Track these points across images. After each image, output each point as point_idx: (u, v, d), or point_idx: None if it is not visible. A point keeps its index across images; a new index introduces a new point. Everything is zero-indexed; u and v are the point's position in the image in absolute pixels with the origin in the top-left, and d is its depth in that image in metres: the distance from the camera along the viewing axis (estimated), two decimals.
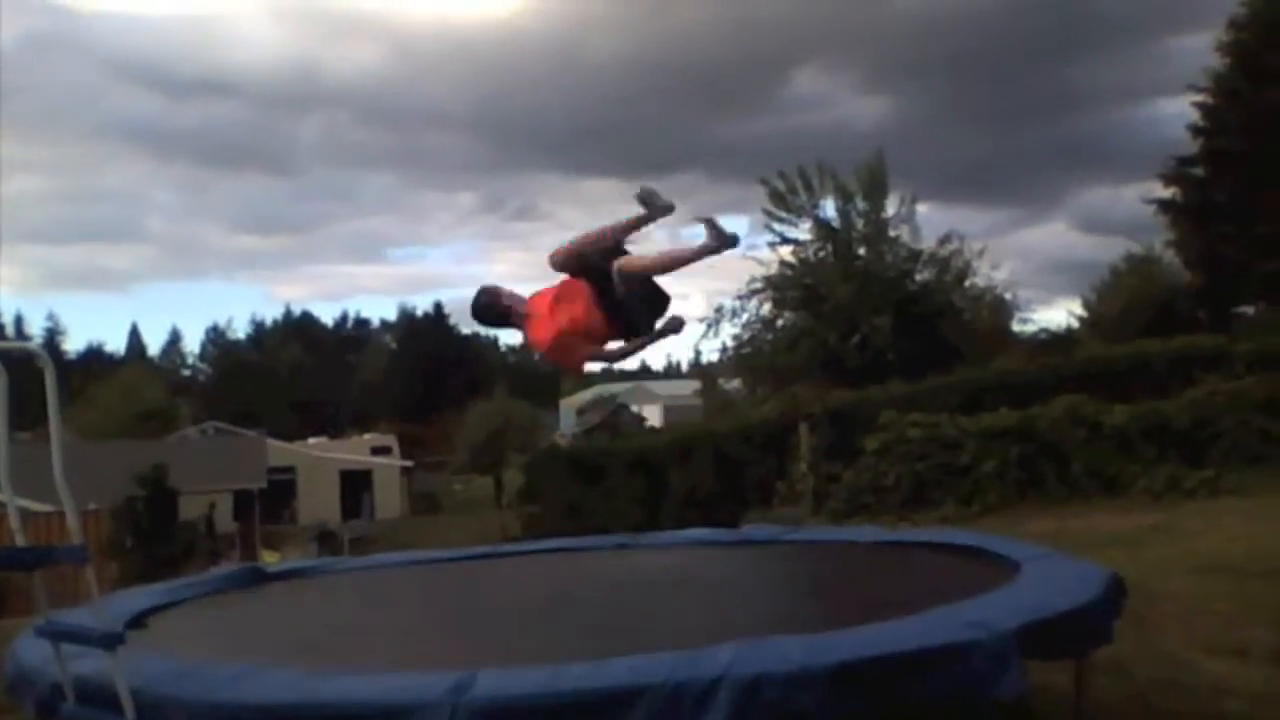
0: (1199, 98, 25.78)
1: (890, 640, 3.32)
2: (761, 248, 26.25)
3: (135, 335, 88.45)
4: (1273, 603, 6.53)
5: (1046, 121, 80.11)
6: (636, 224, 4.65)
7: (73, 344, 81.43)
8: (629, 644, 3.64)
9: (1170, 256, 29.80)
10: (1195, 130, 25.97)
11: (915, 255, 25.91)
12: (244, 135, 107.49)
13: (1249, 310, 25.70)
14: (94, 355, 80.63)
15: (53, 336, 78.58)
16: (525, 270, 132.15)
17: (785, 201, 26.17)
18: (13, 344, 3.68)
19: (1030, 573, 4.48)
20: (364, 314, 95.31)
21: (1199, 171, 25.96)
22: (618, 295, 4.54)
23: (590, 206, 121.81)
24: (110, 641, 3.30)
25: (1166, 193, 26.73)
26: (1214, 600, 6.78)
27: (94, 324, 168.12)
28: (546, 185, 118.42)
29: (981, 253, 25.96)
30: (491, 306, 4.86)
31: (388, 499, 43.12)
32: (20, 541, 3.47)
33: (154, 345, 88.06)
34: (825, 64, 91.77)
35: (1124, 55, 75.05)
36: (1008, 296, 27.07)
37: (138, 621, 4.83)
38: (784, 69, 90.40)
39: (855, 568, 5.82)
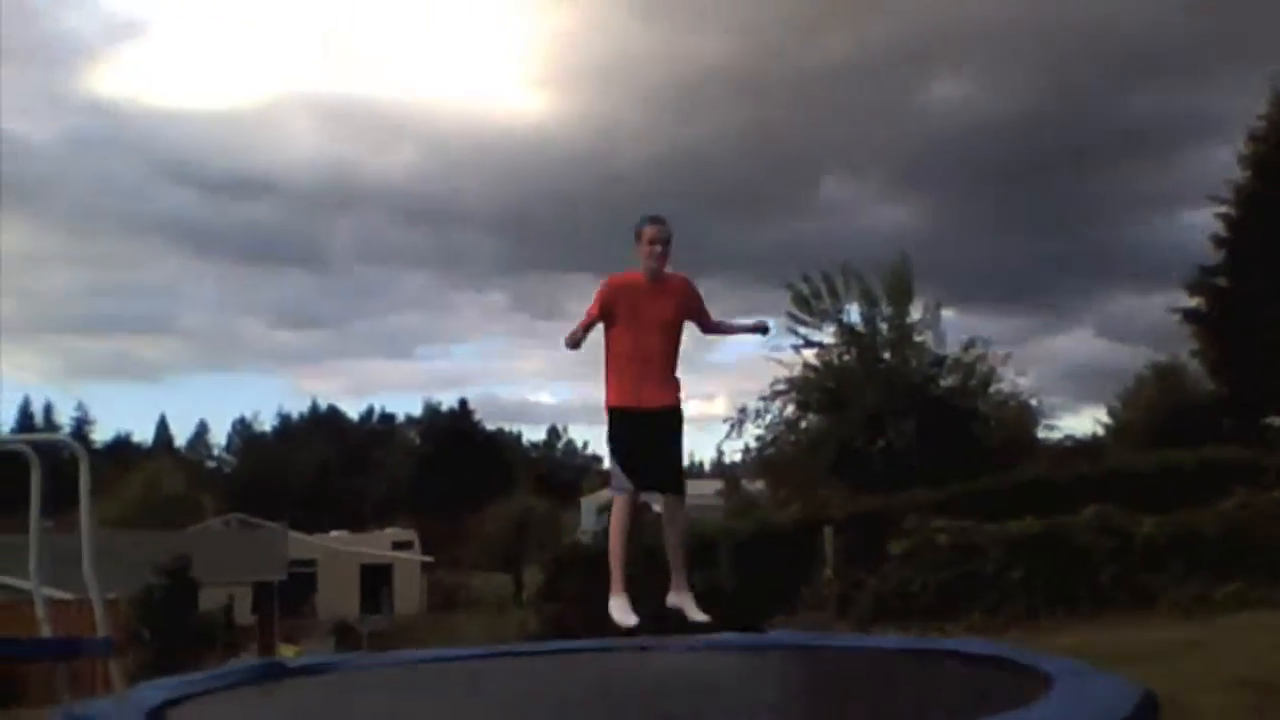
0: (1221, 209, 25.96)
1: None
2: (785, 350, 26.33)
3: (163, 426, 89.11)
4: None
5: (1071, 230, 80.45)
6: None
7: (101, 433, 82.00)
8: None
9: (1195, 366, 29.72)
10: (1218, 241, 26.09)
11: (940, 360, 25.88)
12: (279, 232, 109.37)
13: (1277, 421, 25.51)
14: (121, 445, 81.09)
15: (81, 426, 79.22)
16: (552, 368, 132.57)
17: (809, 305, 26.26)
18: (47, 435, 3.73)
19: (1062, 687, 4.41)
20: (389, 409, 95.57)
21: (1222, 281, 26.02)
22: None
23: None
24: None
25: (1191, 302, 26.77)
26: (1248, 716, 6.64)
27: (122, 413, 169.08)
28: (575, 285, 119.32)
29: (1006, 359, 25.95)
30: None
31: (407, 594, 42.89)
32: (46, 632, 3.49)
33: (181, 436, 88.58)
34: (850, 171, 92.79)
35: (1148, 166, 75.70)
36: (1033, 403, 26.97)
37: (159, 715, 4.80)
38: (811, 175, 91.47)
39: (883, 677, 5.73)
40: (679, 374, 5.68)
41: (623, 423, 5.49)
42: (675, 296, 5.53)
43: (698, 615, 5.42)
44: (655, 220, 5.55)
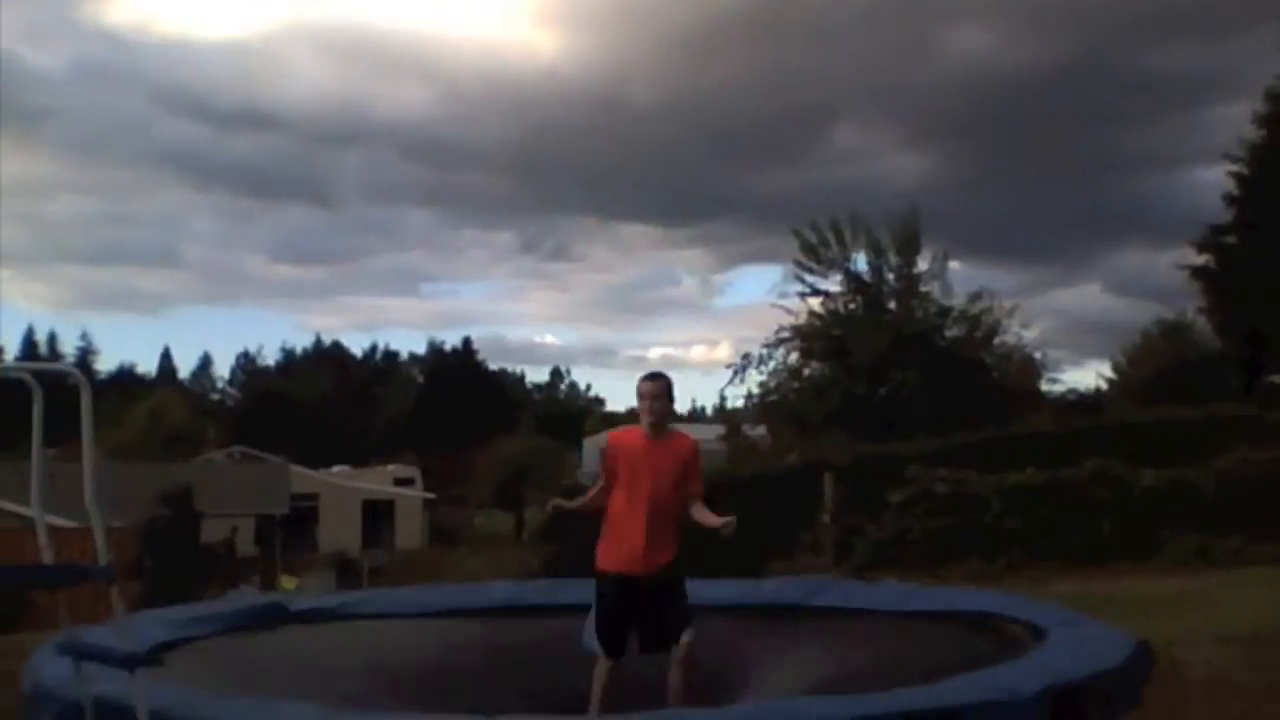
0: (1235, 167, 25.75)
1: (918, 701, 3.29)
2: (791, 297, 26.28)
3: (167, 358, 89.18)
4: None
5: (1084, 184, 79.76)
6: None
7: (104, 364, 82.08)
8: (653, 699, 3.62)
9: (1202, 323, 29.66)
10: (1229, 199, 25.91)
11: (945, 311, 25.85)
12: (286, 167, 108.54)
13: (1279, 379, 25.49)
14: (125, 376, 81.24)
15: (85, 356, 79.26)
16: (556, 310, 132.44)
17: (817, 253, 26.19)
18: (50, 364, 3.72)
19: (1058, 637, 4.44)
20: (393, 347, 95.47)
21: (1233, 240, 25.87)
22: None
23: (624, 250, 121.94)
24: (132, 662, 3.30)
25: (1200, 260, 26.64)
26: (1239, 671, 6.67)
27: (127, 345, 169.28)
28: (582, 228, 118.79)
29: (1012, 311, 25.92)
30: None
31: (408, 530, 43.11)
32: (48, 559, 3.49)
33: (184, 369, 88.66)
34: (865, 119, 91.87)
35: (1163, 123, 74.81)
36: (1037, 356, 26.97)
37: (159, 646, 4.84)
38: (824, 122, 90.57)
39: (883, 628, 5.76)
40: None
41: (609, 589, 5.13)
42: (680, 456, 5.30)
43: None
44: (647, 377, 5.38)
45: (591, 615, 5.06)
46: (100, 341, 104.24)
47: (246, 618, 6.08)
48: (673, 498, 5.20)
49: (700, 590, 7.35)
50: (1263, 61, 34.87)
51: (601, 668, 4.92)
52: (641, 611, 5.05)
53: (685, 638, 4.93)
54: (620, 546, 5.14)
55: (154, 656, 4.74)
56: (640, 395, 5.32)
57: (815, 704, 3.20)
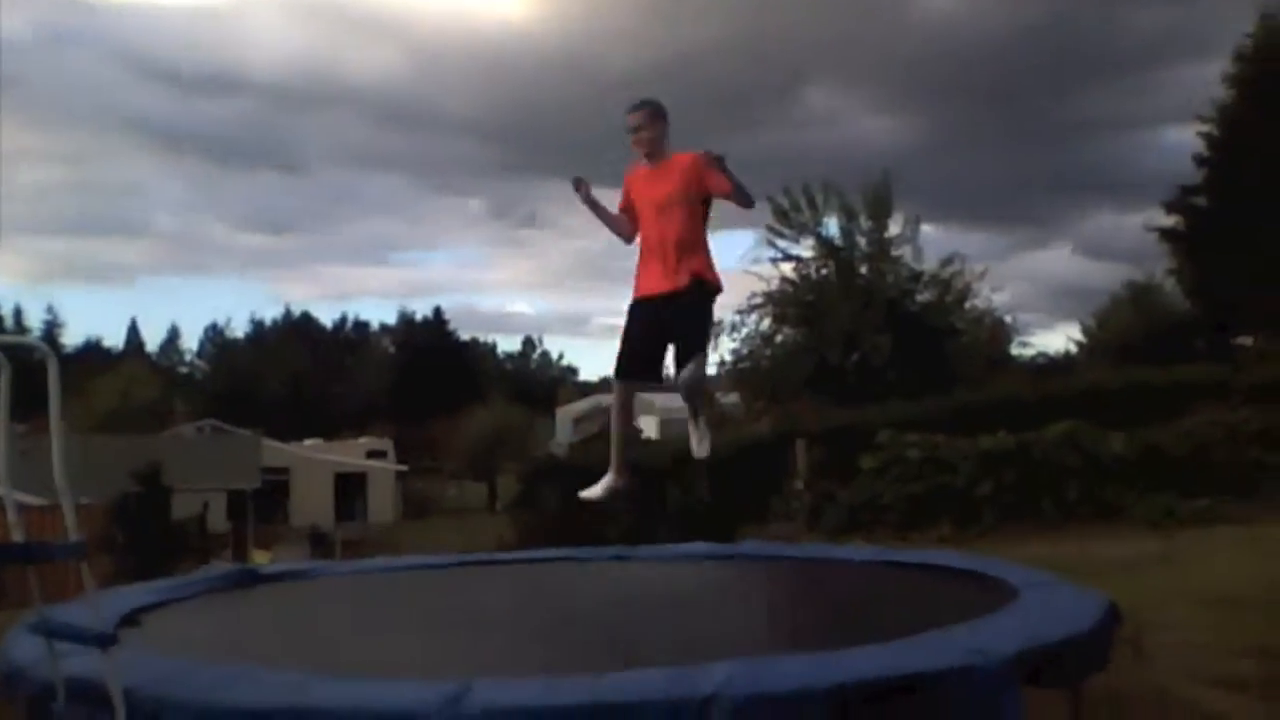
0: (1205, 128, 25.89)
1: (890, 662, 3.30)
2: (763, 263, 26.29)
3: (134, 330, 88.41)
4: (1267, 635, 6.51)
5: (1054, 146, 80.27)
6: None
7: (71, 337, 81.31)
8: (625, 658, 3.62)
9: (1171, 285, 29.89)
10: (1199, 160, 26.06)
11: (917, 276, 25.94)
12: (254, 132, 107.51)
13: (1247, 341, 25.74)
14: (92, 349, 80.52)
15: (51, 329, 78.46)
16: (529, 277, 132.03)
17: (789, 218, 26.19)
18: (15, 336, 3.66)
19: (1029, 598, 4.47)
20: (364, 317, 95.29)
21: (1202, 201, 26.04)
22: None
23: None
24: (104, 640, 3.28)
25: (1169, 221, 26.82)
26: (1209, 631, 6.76)
27: (93, 317, 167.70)
28: (554, 193, 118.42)
29: (983, 275, 26.06)
30: None
31: (381, 502, 43.10)
32: (17, 536, 3.45)
33: (153, 341, 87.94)
34: (838, 82, 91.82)
35: (1133, 83, 75.31)
36: (1008, 320, 27.14)
37: (132, 620, 4.81)
38: (797, 86, 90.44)
39: (853, 588, 5.80)
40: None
41: (630, 314, 5.31)
42: (675, 176, 5.22)
43: (699, 451, 5.30)
44: (629, 109, 5.33)
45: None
46: (67, 314, 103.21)
47: (219, 583, 6.07)
48: (681, 217, 5.19)
49: (675, 549, 7.43)
50: (1233, 21, 34.94)
51: (617, 388, 5.28)
52: (648, 334, 5.22)
53: (690, 365, 5.06)
54: (641, 275, 5.29)
55: (130, 620, 4.73)
56: (628, 131, 5.31)
57: (789, 666, 3.21)
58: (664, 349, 5.28)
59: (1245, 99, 24.79)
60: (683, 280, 5.11)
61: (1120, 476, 14.42)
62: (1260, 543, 10.97)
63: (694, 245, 5.20)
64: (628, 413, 5.35)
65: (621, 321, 5.36)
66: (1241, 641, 6.39)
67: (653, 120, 5.28)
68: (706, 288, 5.19)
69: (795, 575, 6.33)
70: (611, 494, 5.26)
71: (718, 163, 5.04)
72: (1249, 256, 23.73)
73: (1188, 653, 6.21)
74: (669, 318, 5.15)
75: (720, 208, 5.35)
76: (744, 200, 5.14)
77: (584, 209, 5.41)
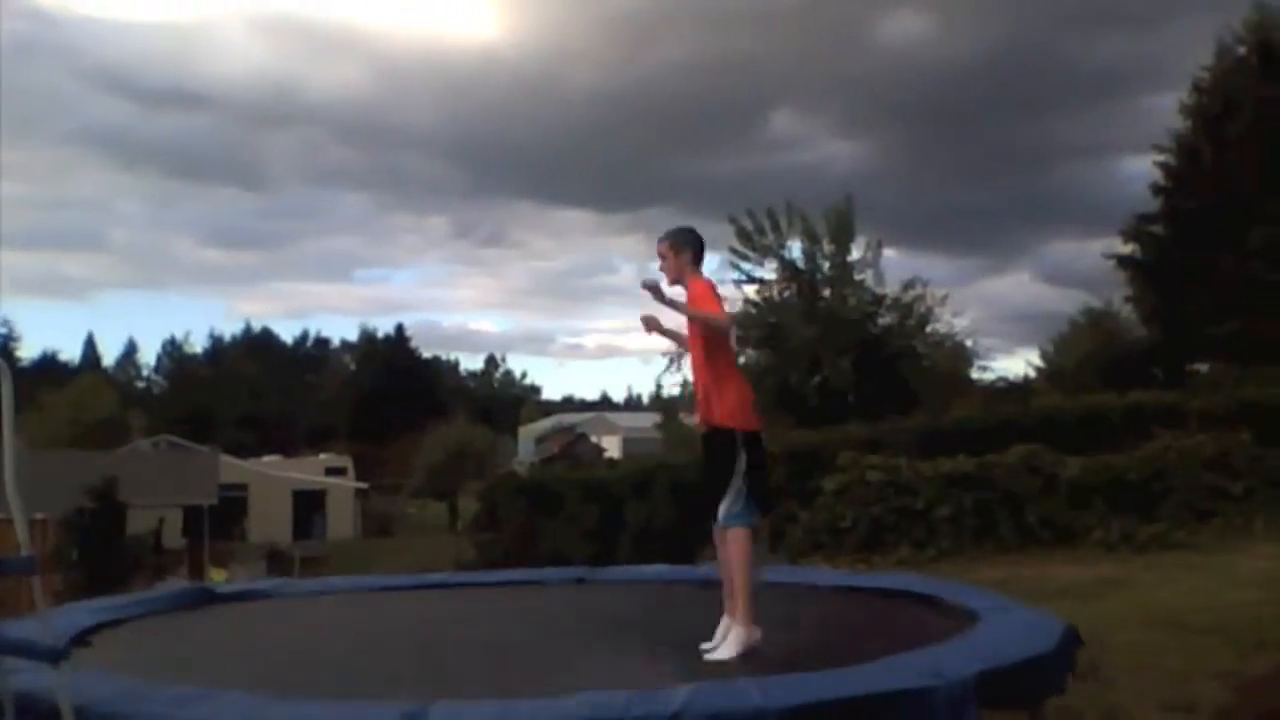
0: (1161, 157, 26.29)
1: (848, 685, 3.31)
2: (727, 285, 26.36)
3: (91, 345, 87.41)
4: (1221, 659, 6.58)
5: (1015, 173, 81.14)
6: None
7: (27, 351, 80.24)
8: (585, 680, 3.61)
9: (1129, 312, 30.26)
10: (1156, 189, 26.45)
11: (879, 299, 26.09)
12: (215, 148, 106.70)
13: (1203, 368, 26.08)
14: (49, 363, 79.54)
15: (7, 342, 77.43)
16: (490, 296, 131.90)
17: (752, 241, 26.28)
18: None
19: (988, 621, 4.49)
20: (325, 333, 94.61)
21: (1159, 229, 26.41)
22: None
23: (561, 236, 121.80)
24: (55, 656, 3.23)
25: (1127, 249, 27.17)
26: (1164, 654, 6.82)
27: (50, 331, 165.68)
28: (518, 213, 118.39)
29: (944, 299, 26.21)
30: None
31: (340, 520, 42.76)
32: None
33: (109, 356, 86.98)
34: (802, 106, 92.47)
35: (1095, 112, 76.20)
36: (968, 344, 27.33)
37: (84, 637, 4.74)
38: (762, 110, 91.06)
39: (815, 611, 5.81)
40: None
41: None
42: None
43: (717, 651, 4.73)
44: (660, 239, 5.20)
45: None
46: (22, 327, 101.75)
47: (174, 602, 5.99)
48: (695, 355, 5.08)
49: (636, 571, 7.42)
50: (1191, 53, 35.58)
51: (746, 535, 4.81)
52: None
53: (720, 515, 4.81)
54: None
55: (82, 639, 4.66)
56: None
57: (749, 688, 3.21)
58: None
59: (1201, 129, 25.21)
60: (710, 419, 4.96)
61: (1078, 501, 14.54)
62: (1215, 568, 11.09)
63: (710, 384, 5.01)
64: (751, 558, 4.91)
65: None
66: (1196, 665, 6.46)
67: (674, 250, 5.12)
68: (718, 436, 4.94)
69: (758, 600, 6.33)
70: (748, 651, 4.71)
71: (653, 293, 4.90)
72: (1205, 285, 24.09)
73: (1142, 676, 6.26)
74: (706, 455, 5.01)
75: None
76: (706, 323, 4.98)
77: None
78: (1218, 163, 24.26)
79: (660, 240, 5.18)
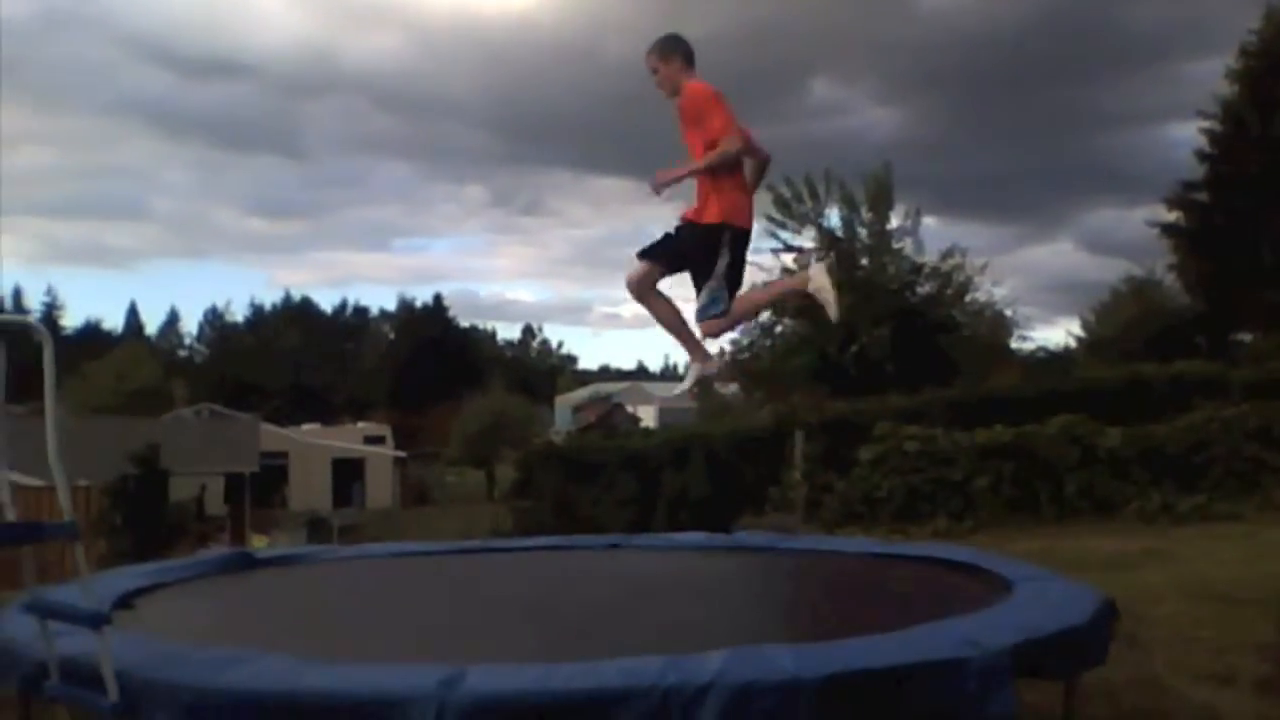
0: (1207, 124, 25.85)
1: (883, 654, 3.30)
2: (764, 254, 26.25)
3: (133, 313, 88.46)
4: (1261, 631, 6.51)
5: (1059, 140, 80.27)
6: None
7: (71, 319, 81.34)
8: (620, 646, 3.62)
9: (1172, 281, 29.88)
10: (1201, 156, 26.03)
11: (918, 268, 25.90)
12: (256, 118, 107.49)
13: (1247, 338, 25.73)
14: (91, 331, 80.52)
15: (51, 311, 78.43)
16: (527, 265, 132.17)
17: (790, 209, 26.13)
18: (12, 317, 3.67)
19: (1024, 592, 4.47)
20: (364, 303, 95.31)
21: (1204, 197, 26.01)
22: None
23: (598, 204, 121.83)
24: (97, 620, 3.28)
25: (1171, 217, 26.79)
26: (1203, 627, 6.76)
27: (93, 300, 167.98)
28: (556, 181, 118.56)
29: (984, 268, 26.00)
30: None
31: (379, 488, 43.13)
32: (9, 516, 3.45)
33: (152, 324, 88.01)
34: (842, 73, 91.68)
35: (1139, 78, 75.29)
36: (1008, 313, 27.09)
37: (125, 602, 4.81)
38: (801, 76, 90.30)
39: (850, 579, 5.80)
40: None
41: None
42: (681, 116, 5.07)
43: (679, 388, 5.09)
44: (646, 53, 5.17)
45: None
46: (66, 296, 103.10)
47: (215, 567, 6.07)
48: (688, 154, 5.05)
49: (671, 538, 7.43)
50: (1238, 16, 34.88)
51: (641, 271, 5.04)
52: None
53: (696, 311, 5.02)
54: None
55: (125, 602, 4.73)
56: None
57: (783, 656, 3.21)
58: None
59: (1248, 95, 24.75)
60: (693, 216, 5.02)
61: (1118, 472, 14.42)
62: (1256, 540, 10.98)
63: (711, 188, 4.99)
64: (662, 299, 5.03)
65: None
66: (1235, 637, 6.39)
67: (664, 59, 5.07)
68: (703, 232, 5.00)
69: (791, 566, 6.34)
70: (707, 380, 4.99)
71: (664, 187, 4.95)
72: (1250, 253, 23.72)
73: (1181, 647, 6.21)
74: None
75: None
76: (724, 159, 4.93)
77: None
78: (1265, 129, 23.82)
79: (648, 53, 5.12)
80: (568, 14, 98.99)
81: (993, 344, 27.26)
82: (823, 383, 23.56)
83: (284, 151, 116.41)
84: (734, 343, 26.77)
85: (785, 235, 26.18)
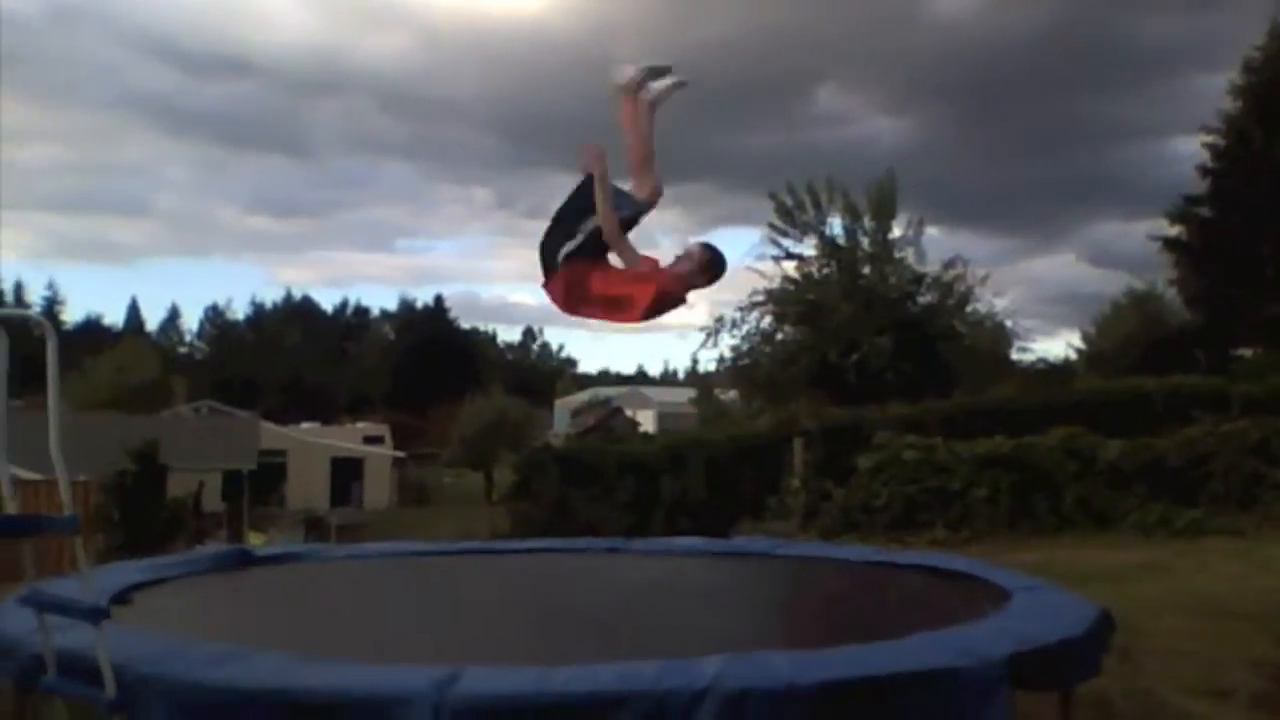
0: (1210, 138, 25.87)
1: (879, 662, 3.31)
2: (766, 261, 26.26)
3: (134, 309, 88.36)
4: (1257, 646, 6.52)
5: (1061, 152, 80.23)
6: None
7: (71, 315, 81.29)
8: (617, 649, 3.62)
9: (1173, 295, 29.88)
10: (1204, 171, 26.05)
11: (919, 278, 25.90)
12: (261, 116, 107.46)
13: (1247, 353, 25.72)
14: (92, 327, 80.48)
15: (52, 306, 78.44)
16: (530, 268, 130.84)
17: (792, 217, 26.14)
18: (14, 311, 3.66)
19: (1021, 602, 4.47)
20: (365, 303, 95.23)
21: (1206, 212, 26.03)
22: None
23: None
24: (95, 615, 3.29)
25: (1173, 231, 26.79)
26: (1199, 640, 6.76)
27: (94, 295, 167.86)
28: (561, 185, 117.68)
29: (985, 279, 26.00)
30: None
31: (377, 488, 43.08)
32: (10, 509, 3.46)
33: (152, 321, 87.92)
34: (849, 82, 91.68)
35: (1145, 92, 75.28)
36: (1009, 324, 27.09)
37: (124, 597, 4.82)
38: (807, 85, 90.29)
39: (847, 586, 5.80)
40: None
41: None
42: None
43: None
44: None
45: None
46: (67, 291, 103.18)
47: (213, 563, 6.07)
48: None
49: (669, 543, 7.43)
50: (1243, 33, 34.98)
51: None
52: None
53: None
54: None
55: (122, 597, 4.73)
56: None
57: (780, 662, 3.22)
58: None
59: (1252, 110, 24.78)
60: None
61: (1116, 484, 14.42)
62: (1253, 555, 10.98)
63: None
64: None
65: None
66: (1231, 652, 6.40)
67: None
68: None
69: (788, 573, 6.34)
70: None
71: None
72: (1251, 268, 23.73)
73: (1176, 661, 6.22)
74: None
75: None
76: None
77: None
78: (1268, 145, 23.84)
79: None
80: (576, 18, 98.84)
81: (993, 355, 27.26)
82: (822, 391, 23.56)
83: (288, 150, 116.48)
84: (734, 349, 26.83)
85: (787, 243, 26.22)
